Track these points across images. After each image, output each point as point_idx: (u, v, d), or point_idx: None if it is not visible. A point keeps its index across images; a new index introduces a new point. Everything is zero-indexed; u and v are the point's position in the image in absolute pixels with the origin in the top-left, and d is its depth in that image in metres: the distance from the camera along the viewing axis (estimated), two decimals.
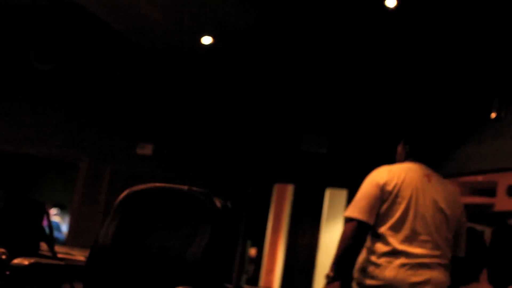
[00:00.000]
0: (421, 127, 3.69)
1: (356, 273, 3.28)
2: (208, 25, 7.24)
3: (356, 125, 8.41)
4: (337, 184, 8.71)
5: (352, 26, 6.56)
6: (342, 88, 8.11)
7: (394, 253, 3.18)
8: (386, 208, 3.22)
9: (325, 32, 6.82)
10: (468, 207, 6.10)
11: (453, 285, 3.39)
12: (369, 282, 3.21)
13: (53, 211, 10.12)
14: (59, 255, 4.82)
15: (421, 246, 3.19)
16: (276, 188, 9.26)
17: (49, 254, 4.74)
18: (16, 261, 2.42)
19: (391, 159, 3.56)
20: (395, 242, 3.19)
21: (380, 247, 3.20)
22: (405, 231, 3.20)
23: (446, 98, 7.17)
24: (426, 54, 6.71)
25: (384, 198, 3.23)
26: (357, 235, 3.19)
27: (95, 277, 2.57)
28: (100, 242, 2.62)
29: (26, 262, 2.42)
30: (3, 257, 2.70)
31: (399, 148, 3.54)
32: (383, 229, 3.21)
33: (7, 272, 2.39)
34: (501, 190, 5.98)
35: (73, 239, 8.51)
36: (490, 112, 6.32)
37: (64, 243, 8.52)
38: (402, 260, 3.16)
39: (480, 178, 6.36)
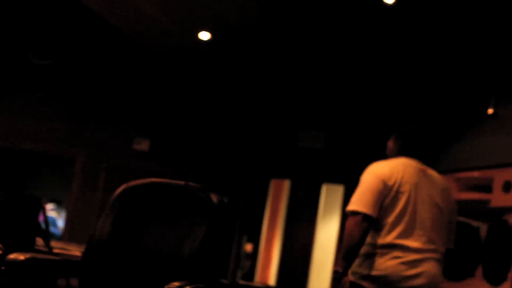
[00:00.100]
0: (413, 123, 3.72)
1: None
2: (205, 21, 7.23)
3: (353, 121, 8.42)
4: (333, 179, 8.72)
5: (350, 22, 6.56)
6: (339, 84, 8.11)
7: (390, 246, 3.22)
8: (387, 203, 3.24)
9: (322, 28, 6.81)
10: (464, 203, 6.12)
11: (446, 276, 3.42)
12: (364, 272, 3.25)
13: (49, 206, 10.12)
14: (55, 250, 4.82)
15: (416, 240, 3.23)
16: (273, 184, 9.26)
17: (45, 249, 4.74)
18: (11, 256, 2.42)
19: (387, 155, 3.57)
20: (392, 235, 3.22)
21: (377, 239, 3.22)
22: (403, 225, 3.24)
23: (442, 94, 7.17)
24: (424, 51, 6.71)
25: (386, 193, 3.25)
26: (364, 229, 3.19)
27: (91, 273, 2.57)
28: (96, 238, 2.62)
29: (21, 257, 2.42)
30: None
31: (390, 143, 3.56)
32: (382, 223, 3.23)
33: (3, 267, 2.39)
34: (497, 186, 5.98)
35: (69, 234, 8.52)
36: (487, 108, 6.33)
37: (60, 238, 8.53)
38: (397, 253, 3.20)
39: (476, 174, 6.36)
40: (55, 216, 10.41)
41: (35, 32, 8.85)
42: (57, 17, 8.77)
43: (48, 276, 2.70)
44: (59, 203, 10.67)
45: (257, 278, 9.20)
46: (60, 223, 10.22)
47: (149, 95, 8.96)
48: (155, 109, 8.96)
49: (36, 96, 8.80)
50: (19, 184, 10.80)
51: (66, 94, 8.85)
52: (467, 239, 4.79)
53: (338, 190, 8.75)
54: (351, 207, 3.24)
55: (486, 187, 6.14)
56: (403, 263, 3.20)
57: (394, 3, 5.88)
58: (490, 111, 6.29)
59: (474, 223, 4.99)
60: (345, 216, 3.34)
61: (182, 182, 2.68)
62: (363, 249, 3.27)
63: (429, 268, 3.23)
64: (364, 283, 3.24)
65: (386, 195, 3.25)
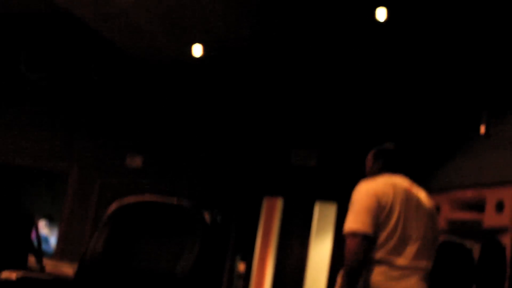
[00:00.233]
0: (391, 140, 3.75)
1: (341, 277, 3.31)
2: (198, 37, 7.25)
3: (345, 138, 8.43)
4: (326, 197, 8.71)
5: (342, 40, 6.60)
6: (332, 102, 8.13)
7: (380, 261, 3.22)
8: (381, 220, 3.24)
9: (315, 46, 6.84)
10: (456, 222, 6.11)
11: None
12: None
13: (42, 223, 10.06)
14: (48, 268, 4.79)
15: (405, 256, 3.24)
16: (266, 202, 9.23)
17: (37, 267, 4.70)
18: (4, 275, 2.40)
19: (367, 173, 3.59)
20: (383, 252, 3.22)
21: (369, 255, 3.22)
22: (393, 241, 3.24)
23: (434, 113, 7.20)
24: (416, 68, 6.75)
25: (380, 210, 3.25)
26: (366, 248, 3.18)
27: None
28: (89, 256, 2.60)
29: (14, 276, 2.41)
30: None
31: (370, 161, 3.58)
32: (375, 240, 3.24)
33: None
34: (490, 205, 5.98)
35: (61, 252, 8.46)
36: (479, 127, 6.35)
37: (52, 255, 8.47)
38: (384, 269, 3.20)
39: (468, 193, 6.36)
40: (47, 233, 10.34)
41: (27, 45, 8.84)
42: (50, 30, 8.76)
43: None
44: (51, 219, 10.60)
45: None
46: (53, 240, 10.15)
47: (142, 111, 8.95)
48: (149, 125, 8.95)
49: (28, 110, 8.76)
50: (11, 200, 10.74)
51: (58, 110, 8.82)
52: (460, 260, 4.78)
53: (331, 208, 8.73)
54: (350, 227, 3.22)
55: (479, 207, 6.15)
56: (389, 279, 3.20)
57: (386, 21, 5.92)
58: (483, 130, 6.31)
59: (468, 244, 4.98)
60: (339, 234, 3.34)
61: (174, 199, 2.68)
62: None
63: (413, 284, 3.23)
64: None
65: (381, 212, 3.26)
